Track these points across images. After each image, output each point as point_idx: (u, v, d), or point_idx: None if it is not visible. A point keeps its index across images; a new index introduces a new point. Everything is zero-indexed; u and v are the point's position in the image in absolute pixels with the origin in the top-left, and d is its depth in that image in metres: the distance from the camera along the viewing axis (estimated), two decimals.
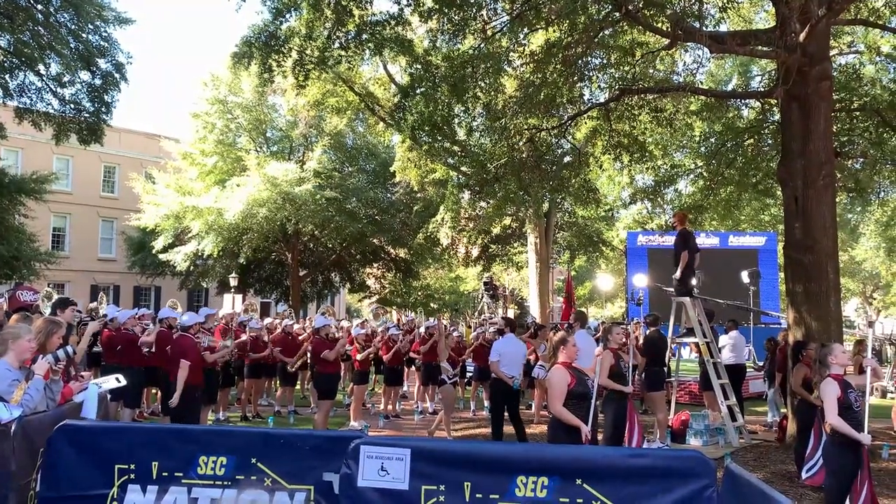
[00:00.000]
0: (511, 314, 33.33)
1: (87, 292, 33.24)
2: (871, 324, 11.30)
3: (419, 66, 13.70)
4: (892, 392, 17.61)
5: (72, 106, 19.46)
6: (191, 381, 8.58)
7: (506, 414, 9.92)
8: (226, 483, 4.86)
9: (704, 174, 17.39)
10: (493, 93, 13.30)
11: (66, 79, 19.02)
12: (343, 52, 12.48)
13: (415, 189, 25.31)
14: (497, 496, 4.51)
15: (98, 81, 19.35)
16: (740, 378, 12.90)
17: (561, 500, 4.45)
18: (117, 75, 19.55)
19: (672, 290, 12.26)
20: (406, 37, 13.48)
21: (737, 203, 19.50)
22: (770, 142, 15.21)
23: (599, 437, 8.56)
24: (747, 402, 13.80)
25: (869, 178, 15.77)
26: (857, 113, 13.61)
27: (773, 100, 12.40)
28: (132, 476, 4.86)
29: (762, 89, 14.98)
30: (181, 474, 4.87)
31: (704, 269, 13.51)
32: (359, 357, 12.06)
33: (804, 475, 7.66)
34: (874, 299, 47.39)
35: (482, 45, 12.70)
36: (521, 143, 14.01)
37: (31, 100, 19.21)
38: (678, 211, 15.05)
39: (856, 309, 51.57)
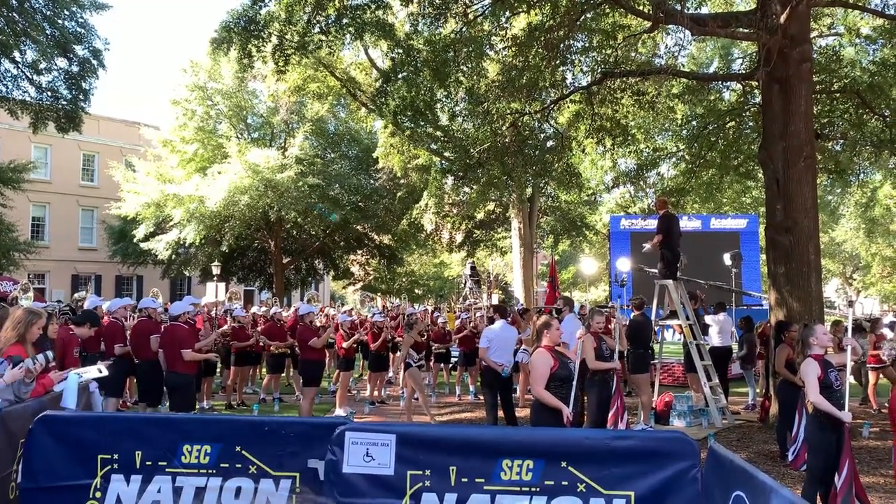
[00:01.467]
0: (496, 299, 33.41)
1: (67, 282, 32.96)
2: (850, 303, 11.44)
3: (401, 51, 13.62)
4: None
5: (49, 93, 19.20)
6: (186, 369, 8.60)
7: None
8: (210, 471, 4.83)
9: (686, 157, 17.46)
10: (475, 77, 13.26)
11: (42, 66, 18.73)
12: (323, 37, 12.38)
13: (398, 175, 25.22)
14: (483, 480, 4.51)
15: (75, 68, 19.08)
16: (727, 360, 12.99)
17: (546, 482, 4.46)
18: (95, 62, 19.29)
19: (654, 271, 12.35)
20: (387, 21, 13.38)
21: (718, 186, 19.59)
22: (751, 124, 15.28)
23: (585, 419, 8.62)
24: (731, 383, 13.92)
25: (849, 160, 15.89)
26: (837, 95, 13.70)
27: (755, 82, 12.44)
28: (115, 466, 4.81)
29: (743, 72, 15.01)
30: (165, 463, 4.83)
31: (686, 251, 13.59)
32: (344, 345, 12.05)
33: (790, 457, 7.74)
34: (854, 280, 47.91)
35: (464, 29, 12.63)
36: (504, 128, 13.98)
37: (7, 87, 18.92)
38: (659, 196, 15.06)
39: (836, 290, 52.14)
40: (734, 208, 31.58)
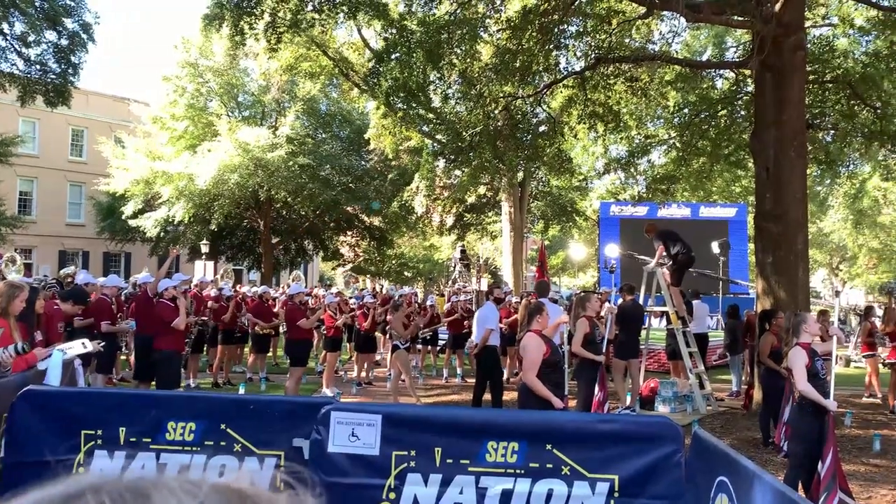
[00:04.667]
0: (485, 283, 33.41)
1: (55, 258, 32.73)
2: (837, 293, 11.50)
3: (394, 31, 13.51)
4: (855, 360, 17.98)
5: (37, 67, 18.93)
6: (174, 346, 8.61)
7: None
8: (195, 449, 4.80)
9: (677, 145, 17.44)
10: (468, 59, 13.18)
11: (30, 38, 18.45)
12: (316, 15, 12.27)
13: (389, 157, 25.14)
14: (467, 461, 4.51)
15: (64, 42, 18.81)
16: (704, 347, 13.08)
17: (531, 465, 4.46)
18: (84, 35, 19.03)
19: (644, 258, 12.36)
20: (381, 0, 13.25)
21: (709, 174, 19.59)
22: (743, 113, 15.27)
23: (571, 403, 8.66)
24: (714, 370, 13.99)
25: (839, 151, 15.92)
26: (830, 85, 13.69)
27: (748, 70, 12.43)
28: (99, 441, 4.78)
29: (737, 60, 14.98)
30: (149, 440, 4.80)
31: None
32: (336, 324, 12.08)
33: (783, 444, 7.82)
34: (840, 271, 48.17)
35: (458, 11, 12.56)
36: (496, 112, 13.93)
37: None
38: (647, 224, 14.52)
39: (822, 280, 52.41)
40: (724, 197, 31.62)
